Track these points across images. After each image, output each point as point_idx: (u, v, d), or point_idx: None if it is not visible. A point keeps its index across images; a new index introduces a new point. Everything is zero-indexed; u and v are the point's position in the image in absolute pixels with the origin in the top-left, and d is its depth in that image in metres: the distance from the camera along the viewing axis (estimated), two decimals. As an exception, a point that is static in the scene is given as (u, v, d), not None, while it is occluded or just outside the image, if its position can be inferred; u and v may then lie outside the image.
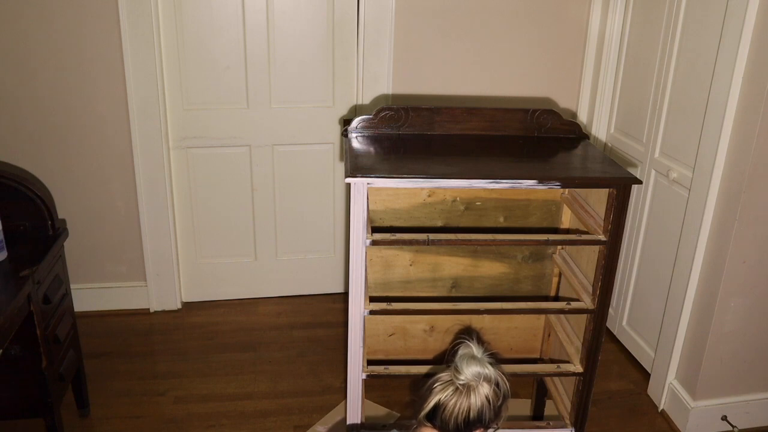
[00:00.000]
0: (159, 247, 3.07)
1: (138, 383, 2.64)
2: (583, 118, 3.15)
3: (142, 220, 3.01)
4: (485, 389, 1.43)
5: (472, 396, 1.42)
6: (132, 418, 2.45)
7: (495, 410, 1.46)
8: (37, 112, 2.79)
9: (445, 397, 1.42)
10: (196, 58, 2.87)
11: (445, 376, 1.46)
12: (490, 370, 1.45)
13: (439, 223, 2.21)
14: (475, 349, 1.49)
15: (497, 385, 1.45)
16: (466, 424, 1.43)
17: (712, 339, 2.32)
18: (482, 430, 1.47)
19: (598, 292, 1.92)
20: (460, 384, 1.42)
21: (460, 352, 1.49)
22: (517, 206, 2.22)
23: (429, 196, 2.18)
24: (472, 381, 1.43)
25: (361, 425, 2.03)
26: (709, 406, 2.42)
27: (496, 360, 1.50)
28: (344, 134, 2.13)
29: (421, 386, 1.51)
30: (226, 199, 3.12)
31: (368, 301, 1.93)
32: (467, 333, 1.52)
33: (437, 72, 2.99)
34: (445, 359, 1.53)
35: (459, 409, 1.42)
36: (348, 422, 2.04)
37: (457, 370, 1.44)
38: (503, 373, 1.48)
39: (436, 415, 1.44)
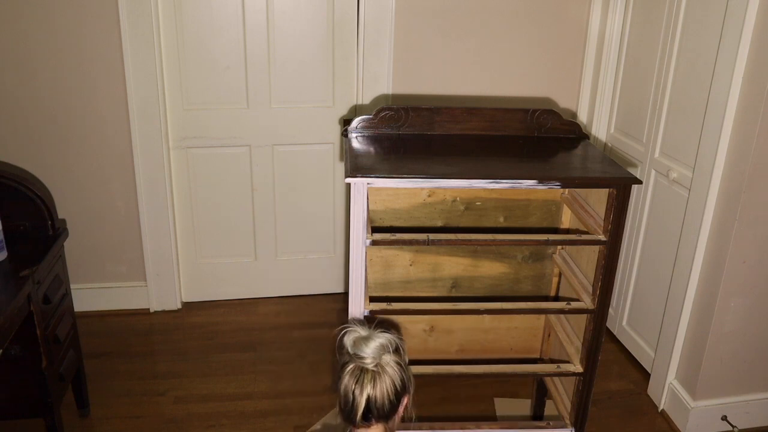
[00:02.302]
0: (159, 247, 3.07)
1: (138, 383, 2.64)
2: (583, 118, 3.14)
3: (142, 220, 3.01)
4: (391, 357, 1.44)
5: (388, 369, 1.43)
6: (132, 418, 2.45)
7: (406, 370, 1.47)
8: (37, 112, 2.79)
9: (370, 388, 1.41)
10: (196, 58, 2.87)
11: (353, 370, 1.43)
12: (382, 337, 1.45)
13: (439, 223, 2.21)
14: (360, 329, 1.48)
15: (395, 347, 1.46)
16: (397, 399, 1.44)
17: (712, 339, 2.32)
18: (407, 396, 1.48)
19: (598, 292, 1.92)
20: (372, 368, 1.42)
21: (349, 340, 1.46)
22: (517, 206, 2.22)
23: (429, 196, 2.18)
24: (378, 358, 1.42)
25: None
26: (709, 406, 2.42)
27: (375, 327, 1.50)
28: (344, 134, 2.13)
29: (337, 395, 1.48)
30: (226, 199, 3.12)
31: (368, 301, 1.93)
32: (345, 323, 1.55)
33: (437, 72, 2.99)
34: (337, 355, 1.51)
35: (385, 390, 1.42)
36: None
37: (359, 357, 1.43)
38: (387, 331, 1.49)
39: (371, 410, 1.42)
